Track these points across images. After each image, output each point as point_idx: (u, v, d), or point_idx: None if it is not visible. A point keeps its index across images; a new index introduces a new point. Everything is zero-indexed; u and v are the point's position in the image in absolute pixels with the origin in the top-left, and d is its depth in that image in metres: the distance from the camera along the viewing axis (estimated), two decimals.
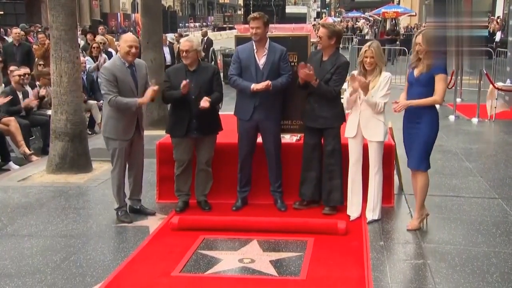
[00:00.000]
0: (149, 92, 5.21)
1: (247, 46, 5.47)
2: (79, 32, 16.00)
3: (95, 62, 11.27)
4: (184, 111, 5.37)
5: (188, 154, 5.53)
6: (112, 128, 5.29)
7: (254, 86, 5.26)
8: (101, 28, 15.04)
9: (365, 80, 4.95)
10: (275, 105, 5.45)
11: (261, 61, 5.38)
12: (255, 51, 5.40)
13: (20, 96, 8.73)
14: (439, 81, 4.85)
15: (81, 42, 14.40)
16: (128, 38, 5.33)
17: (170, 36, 19.11)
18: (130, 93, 5.23)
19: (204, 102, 5.22)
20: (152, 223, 5.32)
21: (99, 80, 5.29)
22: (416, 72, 4.94)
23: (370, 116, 5.08)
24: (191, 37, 5.47)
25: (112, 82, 5.13)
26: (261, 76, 5.35)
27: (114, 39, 16.62)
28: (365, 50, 5.04)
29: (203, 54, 5.54)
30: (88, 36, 13.62)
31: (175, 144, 5.54)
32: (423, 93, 4.89)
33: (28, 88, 9.05)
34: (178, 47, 13.33)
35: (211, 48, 17.38)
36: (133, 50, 5.20)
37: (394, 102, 4.93)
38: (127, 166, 5.49)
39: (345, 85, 5.39)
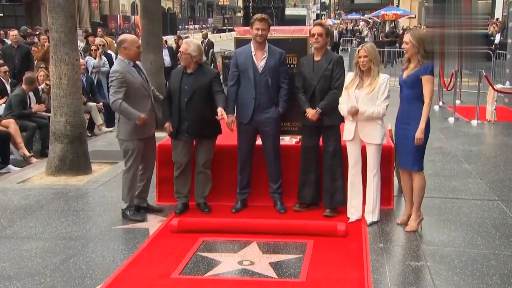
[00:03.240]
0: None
1: (245, 49, 5.46)
2: (82, 35, 16.04)
3: None
4: (176, 113, 5.42)
5: (186, 156, 5.53)
6: (127, 129, 5.33)
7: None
8: (99, 31, 15.03)
9: (356, 108, 5.01)
10: (274, 107, 5.45)
11: (261, 64, 5.38)
12: (254, 54, 5.40)
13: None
14: (426, 83, 4.89)
15: (81, 44, 14.42)
16: (134, 39, 5.40)
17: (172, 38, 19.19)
18: (143, 90, 5.34)
19: (222, 115, 5.23)
20: (152, 225, 5.32)
21: (109, 79, 5.33)
22: (404, 75, 5.00)
23: (368, 119, 5.08)
24: (190, 41, 5.48)
25: (122, 85, 5.19)
26: (260, 79, 5.36)
27: (114, 41, 16.61)
28: (359, 50, 5.10)
29: (204, 58, 5.55)
30: (90, 38, 13.65)
31: (173, 145, 5.55)
32: (410, 95, 4.95)
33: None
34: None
35: (211, 50, 17.37)
36: (140, 49, 5.42)
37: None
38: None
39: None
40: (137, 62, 5.46)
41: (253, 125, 5.47)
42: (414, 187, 5.09)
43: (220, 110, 5.23)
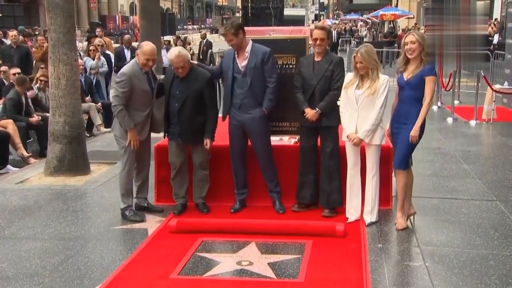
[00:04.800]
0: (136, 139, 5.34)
1: (231, 51, 5.47)
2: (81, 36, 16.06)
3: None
4: (168, 116, 5.45)
5: (179, 158, 5.53)
6: (120, 128, 5.35)
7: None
8: (98, 31, 15.03)
9: (358, 139, 5.07)
10: (259, 107, 5.41)
11: (242, 64, 5.37)
12: (236, 54, 5.41)
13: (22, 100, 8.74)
14: (429, 83, 4.89)
15: (79, 45, 14.41)
16: (146, 50, 5.25)
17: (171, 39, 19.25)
18: (146, 98, 5.34)
19: (207, 145, 5.39)
20: (151, 226, 5.32)
21: (116, 79, 5.35)
22: (405, 75, 4.97)
23: (367, 120, 5.08)
24: (181, 51, 5.34)
25: (125, 89, 5.20)
26: (242, 80, 5.34)
27: (112, 41, 16.63)
28: (354, 56, 5.08)
29: (188, 56, 5.48)
30: (93, 40, 13.70)
31: (169, 147, 5.56)
32: (412, 96, 4.95)
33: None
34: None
35: (210, 51, 17.36)
36: (150, 63, 5.28)
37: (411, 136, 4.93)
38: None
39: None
40: (153, 71, 5.45)
41: (239, 126, 5.47)
42: (398, 185, 5.13)
43: (205, 141, 5.37)
